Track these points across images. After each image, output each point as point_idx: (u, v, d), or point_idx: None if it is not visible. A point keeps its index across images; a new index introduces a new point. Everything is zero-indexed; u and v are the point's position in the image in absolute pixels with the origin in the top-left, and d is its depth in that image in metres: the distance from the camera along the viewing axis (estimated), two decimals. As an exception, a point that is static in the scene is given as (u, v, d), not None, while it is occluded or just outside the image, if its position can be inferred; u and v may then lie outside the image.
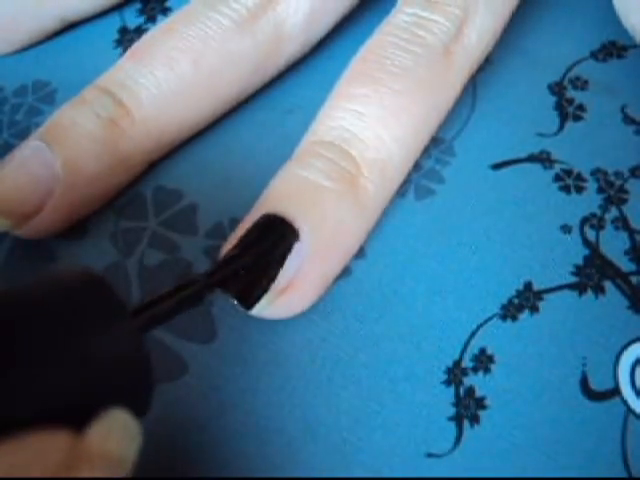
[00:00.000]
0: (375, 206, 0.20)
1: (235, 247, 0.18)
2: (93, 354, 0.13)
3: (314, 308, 0.19)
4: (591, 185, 0.21)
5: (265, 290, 0.18)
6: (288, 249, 0.18)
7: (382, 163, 0.20)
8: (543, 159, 0.22)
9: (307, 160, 0.19)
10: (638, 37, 0.23)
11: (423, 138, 0.21)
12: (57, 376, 0.13)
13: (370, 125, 0.20)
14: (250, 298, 0.18)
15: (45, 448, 0.12)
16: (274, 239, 0.18)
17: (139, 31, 0.26)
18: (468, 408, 0.18)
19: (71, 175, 0.20)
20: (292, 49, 0.23)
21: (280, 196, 0.19)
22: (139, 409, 0.14)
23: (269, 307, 0.18)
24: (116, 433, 0.13)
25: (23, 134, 0.23)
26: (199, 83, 0.21)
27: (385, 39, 0.21)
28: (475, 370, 0.19)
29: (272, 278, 0.18)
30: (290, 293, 0.18)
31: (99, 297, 0.14)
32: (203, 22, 0.21)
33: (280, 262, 0.18)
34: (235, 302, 0.18)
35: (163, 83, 0.21)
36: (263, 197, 0.19)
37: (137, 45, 0.22)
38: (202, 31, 0.21)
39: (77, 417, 0.13)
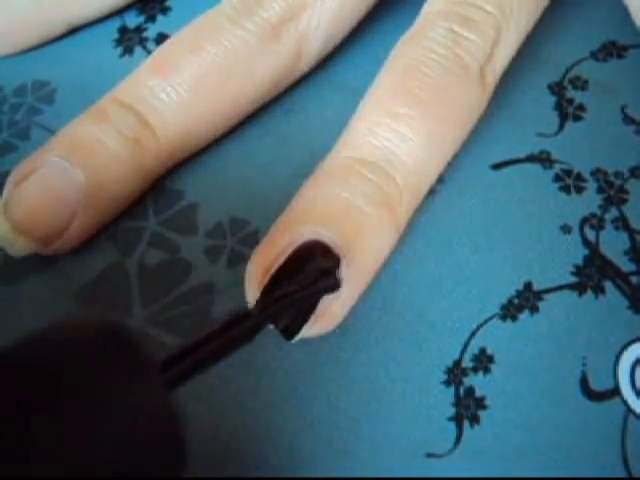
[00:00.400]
0: (405, 226, 0.20)
1: (277, 270, 0.17)
2: (117, 413, 0.12)
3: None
4: (591, 185, 0.21)
5: (306, 319, 0.17)
6: (328, 276, 0.17)
7: (421, 188, 0.20)
8: (543, 159, 0.22)
9: (349, 180, 0.19)
10: None
11: (450, 159, 0.21)
12: (80, 437, 0.11)
13: (414, 150, 0.19)
14: (292, 327, 0.17)
15: None
16: (315, 266, 0.17)
17: (139, 30, 0.26)
18: (468, 408, 0.18)
19: (97, 198, 0.20)
20: (308, 65, 0.23)
21: (322, 218, 0.18)
22: (172, 472, 0.13)
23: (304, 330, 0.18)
24: None
25: (23, 134, 0.23)
26: (223, 104, 0.21)
27: (425, 54, 0.20)
28: (475, 370, 0.19)
29: (313, 306, 0.17)
30: (325, 318, 0.18)
31: (122, 353, 0.12)
32: (230, 41, 0.21)
33: (319, 289, 0.17)
34: (279, 332, 0.17)
35: (189, 105, 0.20)
36: (300, 211, 0.19)
37: (161, 58, 0.21)
38: (229, 51, 0.21)
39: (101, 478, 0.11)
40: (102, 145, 0.20)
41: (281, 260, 0.17)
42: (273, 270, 0.17)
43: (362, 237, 0.18)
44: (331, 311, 0.18)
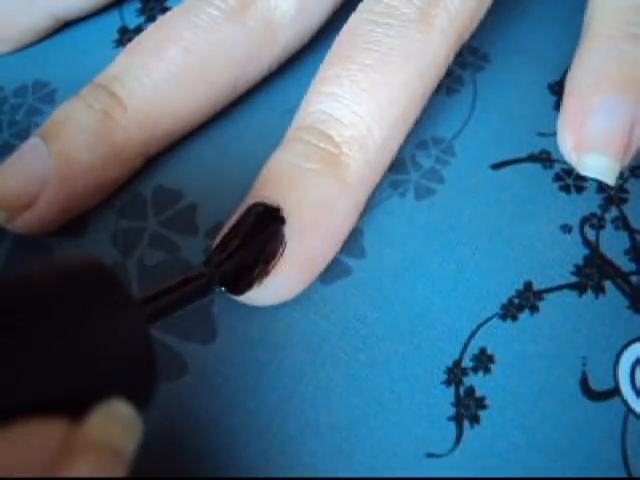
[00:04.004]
0: (360, 182, 0.20)
1: (224, 238, 0.18)
2: (96, 340, 0.13)
3: (314, 308, 0.19)
4: (591, 185, 0.21)
5: (250, 273, 0.18)
6: (274, 234, 0.18)
7: (361, 139, 0.20)
8: (543, 159, 0.22)
9: (289, 146, 0.20)
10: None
11: (408, 107, 0.21)
12: (58, 360, 0.12)
13: (344, 104, 0.20)
14: (237, 283, 0.18)
15: (39, 435, 0.12)
16: (260, 226, 0.18)
17: (139, 31, 0.26)
18: (468, 408, 0.18)
19: (65, 167, 0.20)
20: (287, 37, 0.23)
21: (264, 183, 0.19)
22: (141, 400, 0.14)
23: (255, 290, 0.18)
24: (115, 423, 0.13)
25: (23, 134, 0.23)
26: (190, 71, 0.21)
27: (359, 17, 0.21)
28: (475, 370, 0.19)
29: (256, 261, 0.18)
30: (274, 274, 0.18)
31: (105, 285, 0.14)
32: (193, 13, 0.22)
33: (265, 246, 0.18)
34: (223, 289, 0.18)
35: (154, 72, 0.21)
36: (251, 189, 0.20)
37: (131, 42, 0.22)
38: (191, 22, 0.21)
39: (78, 406, 0.12)
40: (71, 119, 0.20)
41: (230, 224, 0.19)
42: (224, 232, 0.19)
43: (298, 188, 0.19)
44: (281, 266, 0.18)
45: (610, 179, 0.20)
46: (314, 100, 0.20)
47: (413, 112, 0.21)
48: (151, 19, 0.26)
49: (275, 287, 0.18)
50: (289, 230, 0.18)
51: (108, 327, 0.13)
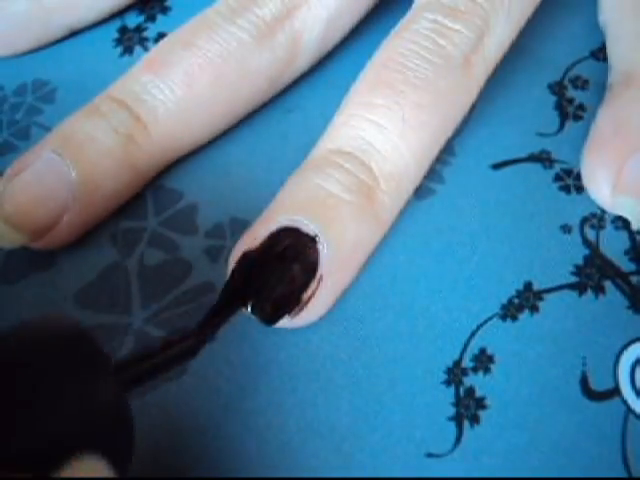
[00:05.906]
0: (390, 219, 0.20)
1: (246, 255, 0.18)
2: (70, 408, 0.13)
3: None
4: (591, 185, 0.21)
5: (288, 306, 0.18)
6: (307, 263, 0.18)
7: (399, 176, 0.19)
8: (543, 159, 0.22)
9: (326, 170, 0.19)
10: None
11: (437, 149, 0.21)
12: (30, 428, 0.12)
13: (390, 138, 0.19)
14: (272, 314, 0.18)
15: None
16: (293, 252, 0.18)
17: (139, 30, 0.26)
18: (468, 408, 0.18)
19: (88, 193, 0.19)
20: (305, 64, 0.23)
21: (298, 206, 0.19)
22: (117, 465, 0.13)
23: (284, 320, 0.18)
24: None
25: (23, 133, 0.23)
26: (217, 101, 0.21)
27: (406, 46, 0.20)
28: (475, 370, 0.19)
29: (294, 294, 0.18)
30: (308, 309, 0.18)
31: (81, 350, 0.13)
32: (223, 37, 0.21)
33: (299, 276, 0.18)
34: (254, 317, 0.18)
35: (182, 101, 0.20)
36: (279, 202, 0.19)
37: (154, 55, 0.21)
38: (222, 47, 0.21)
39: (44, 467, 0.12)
40: (94, 140, 0.20)
41: (255, 247, 0.18)
42: (245, 247, 0.18)
43: (339, 223, 0.18)
44: (313, 299, 0.18)
45: (638, 221, 0.20)
46: (357, 126, 0.20)
47: (438, 152, 0.21)
48: (151, 18, 0.26)
49: (301, 318, 0.18)
50: (325, 264, 0.18)
51: (83, 391, 0.13)
